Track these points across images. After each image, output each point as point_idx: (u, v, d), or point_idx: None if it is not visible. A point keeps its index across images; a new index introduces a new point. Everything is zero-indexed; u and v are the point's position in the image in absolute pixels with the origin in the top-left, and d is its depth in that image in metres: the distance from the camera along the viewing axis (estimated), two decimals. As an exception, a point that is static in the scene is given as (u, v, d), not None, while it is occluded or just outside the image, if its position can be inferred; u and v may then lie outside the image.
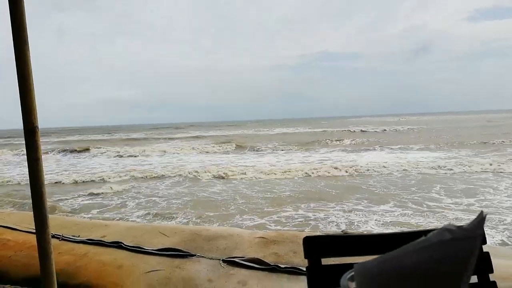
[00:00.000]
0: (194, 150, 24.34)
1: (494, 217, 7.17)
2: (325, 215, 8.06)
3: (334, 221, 7.59)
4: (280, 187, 11.44)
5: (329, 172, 13.25)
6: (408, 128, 40.23)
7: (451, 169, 12.88)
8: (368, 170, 13.32)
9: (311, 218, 7.93)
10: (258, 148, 24.41)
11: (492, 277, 1.34)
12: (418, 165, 13.92)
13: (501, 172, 12.05)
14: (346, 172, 13.23)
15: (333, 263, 1.40)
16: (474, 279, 1.35)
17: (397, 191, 10.13)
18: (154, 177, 13.66)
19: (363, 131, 38.25)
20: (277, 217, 8.10)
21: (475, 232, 0.47)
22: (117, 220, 7.00)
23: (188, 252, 3.08)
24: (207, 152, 23.70)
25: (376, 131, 38.32)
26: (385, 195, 9.69)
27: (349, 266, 1.37)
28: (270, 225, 7.50)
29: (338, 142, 26.57)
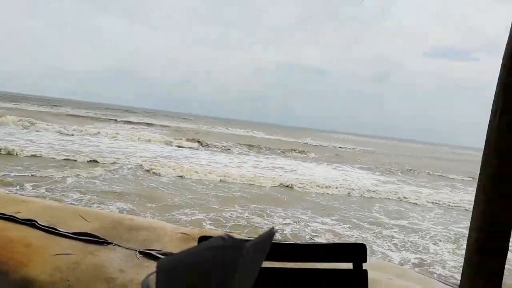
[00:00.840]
0: (144, 139, 23.67)
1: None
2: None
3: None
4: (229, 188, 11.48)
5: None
6: (364, 150, 41.87)
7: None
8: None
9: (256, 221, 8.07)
10: (217, 146, 24.24)
11: (367, 293, 1.44)
12: (354, 185, 14.58)
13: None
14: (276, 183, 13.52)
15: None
16: (350, 293, 1.45)
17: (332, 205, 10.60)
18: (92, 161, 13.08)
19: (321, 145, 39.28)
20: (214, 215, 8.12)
21: (242, 243, 0.52)
22: (36, 197, 6.65)
23: (105, 240, 3.00)
24: (149, 140, 23.04)
25: (335, 147, 39.55)
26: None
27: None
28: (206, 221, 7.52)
29: (295, 153, 27.08)
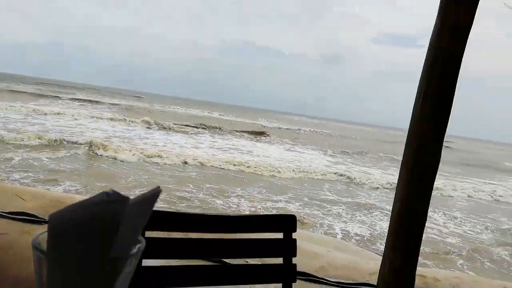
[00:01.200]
0: (93, 117, 22.65)
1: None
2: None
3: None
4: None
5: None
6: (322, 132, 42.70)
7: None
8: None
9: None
10: (172, 126, 23.69)
11: (295, 260, 1.52)
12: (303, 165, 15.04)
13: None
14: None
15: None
16: (280, 260, 1.52)
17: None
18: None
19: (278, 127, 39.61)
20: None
21: (125, 198, 0.53)
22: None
23: (43, 219, 2.89)
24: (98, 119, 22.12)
25: (289, 129, 40.05)
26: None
27: (170, 240, 1.44)
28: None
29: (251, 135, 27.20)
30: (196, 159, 12.90)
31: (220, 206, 8.32)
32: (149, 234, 1.45)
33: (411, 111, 1.74)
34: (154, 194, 0.61)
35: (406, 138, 1.76)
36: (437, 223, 8.81)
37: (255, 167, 12.91)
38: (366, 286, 2.65)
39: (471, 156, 34.77)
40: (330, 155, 21.32)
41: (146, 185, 8.96)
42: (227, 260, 1.62)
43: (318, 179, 12.86)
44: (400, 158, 1.87)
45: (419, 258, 1.89)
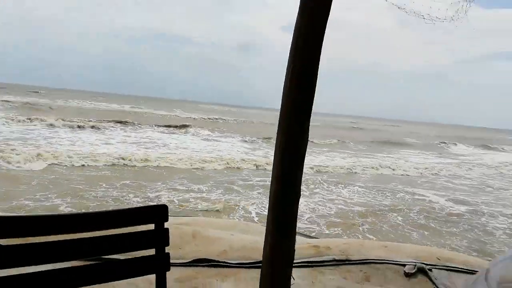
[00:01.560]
0: None
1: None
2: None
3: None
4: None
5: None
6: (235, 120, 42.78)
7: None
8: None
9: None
10: (79, 123, 21.85)
11: (167, 249, 1.54)
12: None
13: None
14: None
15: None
16: (152, 251, 1.52)
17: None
18: None
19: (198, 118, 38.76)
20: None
21: None
22: None
23: None
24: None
25: (203, 118, 39.44)
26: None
27: (29, 246, 1.34)
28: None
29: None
30: (110, 156, 12.20)
31: (136, 202, 8.03)
32: (5, 242, 1.35)
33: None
34: None
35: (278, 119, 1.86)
36: (344, 196, 9.61)
37: (171, 161, 12.64)
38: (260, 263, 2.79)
39: (375, 134, 38.10)
40: (248, 141, 21.75)
41: (52, 188, 8.26)
42: (95, 258, 1.57)
43: (237, 167, 13.05)
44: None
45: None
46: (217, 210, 7.51)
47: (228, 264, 2.84)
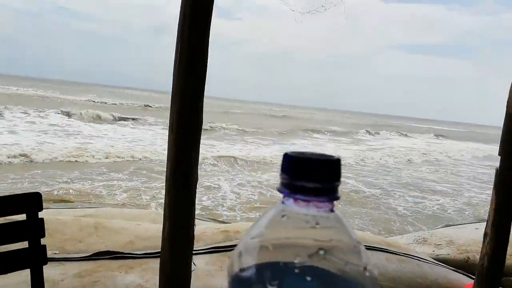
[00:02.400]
0: None
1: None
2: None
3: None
4: None
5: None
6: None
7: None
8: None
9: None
10: None
11: (43, 241, 1.40)
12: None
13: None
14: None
15: None
16: (25, 244, 1.38)
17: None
18: None
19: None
20: None
21: None
22: None
23: None
24: None
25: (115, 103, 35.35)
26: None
27: None
28: None
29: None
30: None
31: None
32: None
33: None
34: None
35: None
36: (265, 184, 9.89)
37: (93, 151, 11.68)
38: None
39: (299, 122, 39.20)
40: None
41: None
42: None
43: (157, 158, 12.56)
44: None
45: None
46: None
47: (133, 255, 2.72)
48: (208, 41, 1.76)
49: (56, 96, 35.24)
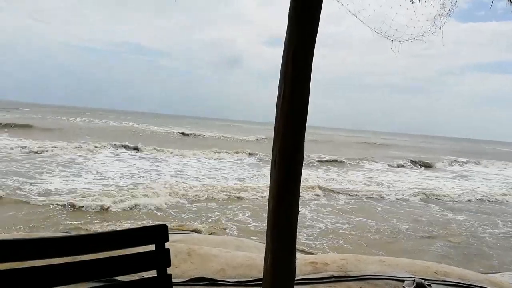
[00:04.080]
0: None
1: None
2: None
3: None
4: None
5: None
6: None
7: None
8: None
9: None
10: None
11: (173, 266, 1.50)
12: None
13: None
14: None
15: None
16: (154, 273, 1.48)
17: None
18: None
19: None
20: None
21: None
22: None
23: None
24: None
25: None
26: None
27: (14, 272, 1.26)
28: None
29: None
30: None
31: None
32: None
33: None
34: None
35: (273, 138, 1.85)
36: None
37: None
38: (259, 281, 2.74)
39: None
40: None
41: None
42: (95, 283, 1.51)
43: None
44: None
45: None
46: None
47: (227, 283, 2.77)
48: (309, 85, 1.80)
49: (192, 132, 35.45)
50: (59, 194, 8.88)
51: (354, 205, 10.50)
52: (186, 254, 3.10)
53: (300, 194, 1.96)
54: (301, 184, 1.92)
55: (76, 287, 1.53)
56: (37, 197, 8.50)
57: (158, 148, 19.32)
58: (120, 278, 1.45)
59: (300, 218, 2.20)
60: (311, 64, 1.77)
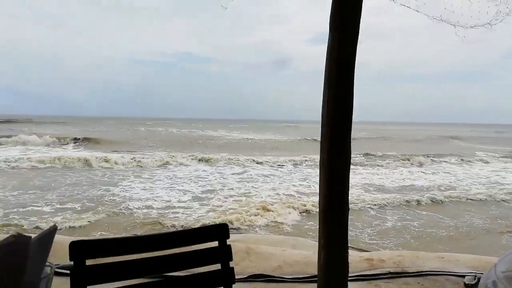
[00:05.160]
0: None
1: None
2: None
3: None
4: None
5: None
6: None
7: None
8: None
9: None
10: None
11: (234, 263, 1.68)
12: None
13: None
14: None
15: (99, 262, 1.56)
16: (218, 266, 1.67)
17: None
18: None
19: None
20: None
21: (26, 238, 0.69)
22: None
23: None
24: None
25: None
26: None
27: (113, 264, 1.54)
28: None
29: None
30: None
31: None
32: (94, 261, 1.56)
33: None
34: (52, 231, 0.78)
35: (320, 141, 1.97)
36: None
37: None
38: (315, 277, 2.85)
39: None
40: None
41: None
42: (170, 274, 1.73)
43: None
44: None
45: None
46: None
47: (284, 279, 2.92)
48: (353, 87, 1.89)
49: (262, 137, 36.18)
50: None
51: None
52: (245, 253, 3.30)
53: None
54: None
55: (153, 279, 1.77)
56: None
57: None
58: (191, 270, 1.65)
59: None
60: (354, 66, 1.86)
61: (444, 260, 3.26)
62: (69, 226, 7.27)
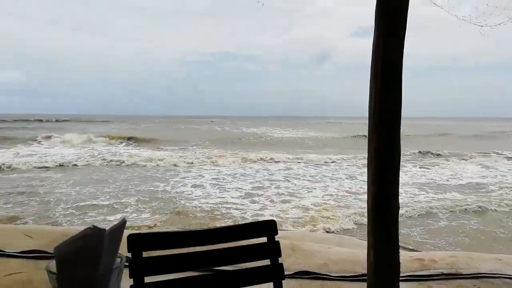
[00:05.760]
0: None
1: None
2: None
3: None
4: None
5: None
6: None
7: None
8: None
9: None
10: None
11: (280, 260, 1.68)
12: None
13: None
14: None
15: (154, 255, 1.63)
16: (267, 262, 1.68)
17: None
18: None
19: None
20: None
21: (101, 230, 0.73)
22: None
23: (52, 253, 3.06)
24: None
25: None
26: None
27: (168, 257, 1.60)
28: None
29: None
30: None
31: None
32: (148, 254, 1.63)
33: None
34: (122, 224, 0.83)
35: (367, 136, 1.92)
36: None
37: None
38: (364, 277, 2.79)
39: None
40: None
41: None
42: (221, 268, 1.77)
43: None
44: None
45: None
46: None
47: (330, 277, 2.89)
48: (401, 82, 1.82)
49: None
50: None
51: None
52: (290, 249, 3.30)
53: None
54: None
55: (205, 272, 1.82)
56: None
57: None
58: (241, 265, 1.68)
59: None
60: (402, 60, 1.80)
61: (502, 262, 3.07)
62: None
